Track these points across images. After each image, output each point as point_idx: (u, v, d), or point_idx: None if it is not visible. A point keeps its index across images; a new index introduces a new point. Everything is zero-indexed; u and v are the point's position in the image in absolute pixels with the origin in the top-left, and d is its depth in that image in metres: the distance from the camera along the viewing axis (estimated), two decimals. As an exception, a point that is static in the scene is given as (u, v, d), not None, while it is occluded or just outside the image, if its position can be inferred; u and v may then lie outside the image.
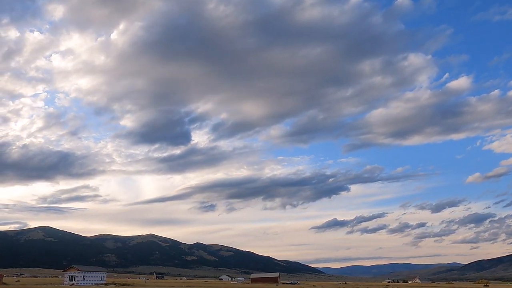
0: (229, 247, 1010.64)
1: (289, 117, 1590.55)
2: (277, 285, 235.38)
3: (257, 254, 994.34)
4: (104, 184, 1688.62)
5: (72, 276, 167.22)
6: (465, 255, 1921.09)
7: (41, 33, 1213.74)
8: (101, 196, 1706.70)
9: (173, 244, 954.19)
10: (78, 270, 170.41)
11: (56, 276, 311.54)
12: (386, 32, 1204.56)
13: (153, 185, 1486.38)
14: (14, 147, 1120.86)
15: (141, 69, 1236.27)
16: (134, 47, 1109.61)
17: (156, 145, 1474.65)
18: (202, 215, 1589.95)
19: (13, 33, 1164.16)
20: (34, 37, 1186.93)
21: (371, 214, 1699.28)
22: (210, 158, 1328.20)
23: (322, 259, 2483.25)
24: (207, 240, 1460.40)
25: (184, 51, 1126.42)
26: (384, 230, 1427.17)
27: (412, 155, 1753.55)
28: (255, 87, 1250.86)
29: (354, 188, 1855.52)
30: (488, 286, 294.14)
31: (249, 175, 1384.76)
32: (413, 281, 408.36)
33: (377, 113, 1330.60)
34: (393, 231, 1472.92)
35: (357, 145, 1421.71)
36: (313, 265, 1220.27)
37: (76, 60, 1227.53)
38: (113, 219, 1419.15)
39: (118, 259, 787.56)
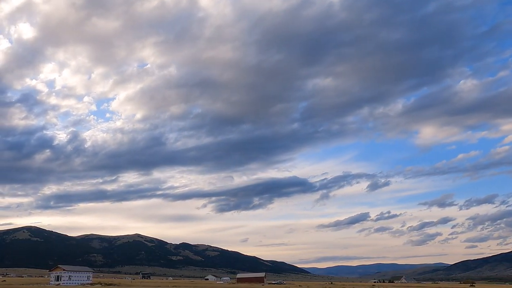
0: (215, 247, 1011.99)
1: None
2: (263, 285, 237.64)
3: (243, 254, 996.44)
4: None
5: (58, 276, 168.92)
6: (452, 254, 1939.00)
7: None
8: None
9: (159, 244, 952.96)
10: (64, 270, 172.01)
11: (42, 276, 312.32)
12: None
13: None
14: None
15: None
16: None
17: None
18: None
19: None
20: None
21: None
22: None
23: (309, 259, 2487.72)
24: (193, 240, 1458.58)
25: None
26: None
27: None
28: None
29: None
30: (474, 286, 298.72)
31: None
32: (400, 281, 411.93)
33: None
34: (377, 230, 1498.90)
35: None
36: (299, 265, 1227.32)
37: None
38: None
39: (104, 259, 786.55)
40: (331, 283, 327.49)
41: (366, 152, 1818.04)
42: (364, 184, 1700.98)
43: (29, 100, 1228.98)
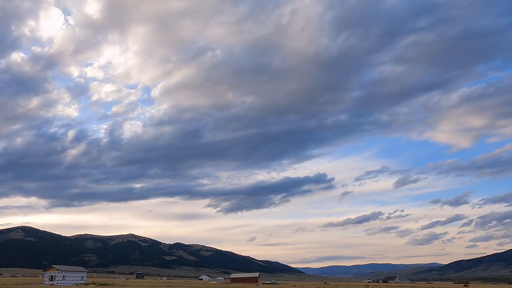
0: (209, 247, 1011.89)
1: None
2: (257, 285, 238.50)
3: (237, 254, 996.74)
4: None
5: (52, 276, 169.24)
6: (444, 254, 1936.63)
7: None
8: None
9: (153, 244, 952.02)
10: (58, 270, 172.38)
11: (36, 276, 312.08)
12: None
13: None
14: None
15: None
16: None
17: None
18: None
19: None
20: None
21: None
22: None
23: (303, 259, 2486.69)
24: (187, 240, 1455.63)
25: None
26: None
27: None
28: None
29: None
30: (468, 286, 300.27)
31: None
32: (394, 281, 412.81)
33: None
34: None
35: None
36: (293, 265, 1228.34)
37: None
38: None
39: (98, 259, 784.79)
40: (325, 283, 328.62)
41: (404, 146, 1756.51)
42: (388, 182, 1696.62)
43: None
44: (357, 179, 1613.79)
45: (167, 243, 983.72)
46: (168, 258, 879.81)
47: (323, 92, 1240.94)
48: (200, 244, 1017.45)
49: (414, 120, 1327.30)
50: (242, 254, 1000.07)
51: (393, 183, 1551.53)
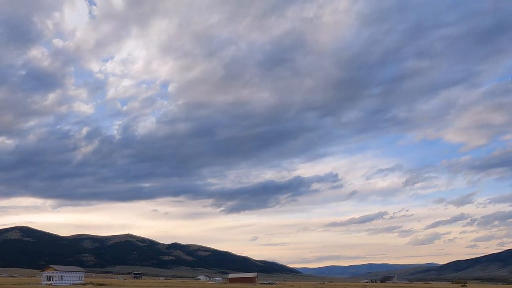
0: (207, 247, 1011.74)
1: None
2: (254, 285, 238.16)
3: (235, 254, 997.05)
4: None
5: (49, 276, 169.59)
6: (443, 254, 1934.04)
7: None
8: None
9: (151, 244, 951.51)
10: (55, 270, 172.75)
11: (33, 276, 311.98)
12: None
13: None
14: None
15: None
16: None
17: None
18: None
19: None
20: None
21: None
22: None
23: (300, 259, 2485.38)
24: (186, 240, 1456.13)
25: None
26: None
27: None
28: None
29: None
30: (466, 286, 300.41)
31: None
32: (391, 281, 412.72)
33: None
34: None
35: None
36: (290, 265, 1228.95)
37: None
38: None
39: (95, 259, 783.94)
40: (323, 283, 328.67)
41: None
42: (398, 180, 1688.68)
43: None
44: (367, 177, 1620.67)
45: (164, 243, 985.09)
46: (165, 258, 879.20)
47: (341, 89, 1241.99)
48: (198, 244, 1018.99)
49: (431, 117, 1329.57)
50: (239, 254, 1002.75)
51: (403, 182, 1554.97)
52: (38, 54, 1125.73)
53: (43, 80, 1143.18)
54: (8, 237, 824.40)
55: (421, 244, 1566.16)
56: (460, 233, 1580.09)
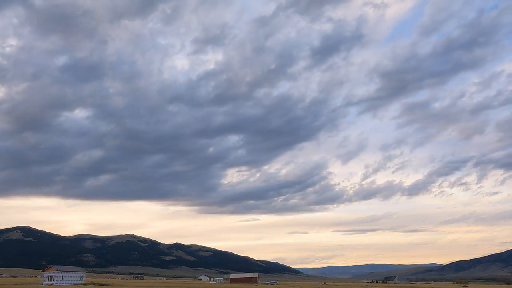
0: (208, 247, 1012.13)
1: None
2: (256, 285, 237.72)
3: (236, 254, 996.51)
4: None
5: (51, 276, 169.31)
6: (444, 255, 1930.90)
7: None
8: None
9: (152, 244, 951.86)
10: (57, 270, 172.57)
11: (35, 276, 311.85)
12: None
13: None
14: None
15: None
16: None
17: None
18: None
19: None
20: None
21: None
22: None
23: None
24: (187, 240, 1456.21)
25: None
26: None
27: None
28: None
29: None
30: (467, 286, 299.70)
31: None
32: (393, 281, 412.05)
33: None
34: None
35: None
36: (292, 266, 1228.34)
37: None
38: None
39: (97, 259, 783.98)
40: (324, 283, 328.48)
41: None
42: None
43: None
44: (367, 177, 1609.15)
45: (166, 243, 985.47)
46: (167, 258, 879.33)
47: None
48: (199, 245, 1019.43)
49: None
50: (240, 255, 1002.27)
51: (418, 178, 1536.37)
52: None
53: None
54: (9, 237, 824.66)
55: (423, 244, 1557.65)
56: (466, 232, 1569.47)
